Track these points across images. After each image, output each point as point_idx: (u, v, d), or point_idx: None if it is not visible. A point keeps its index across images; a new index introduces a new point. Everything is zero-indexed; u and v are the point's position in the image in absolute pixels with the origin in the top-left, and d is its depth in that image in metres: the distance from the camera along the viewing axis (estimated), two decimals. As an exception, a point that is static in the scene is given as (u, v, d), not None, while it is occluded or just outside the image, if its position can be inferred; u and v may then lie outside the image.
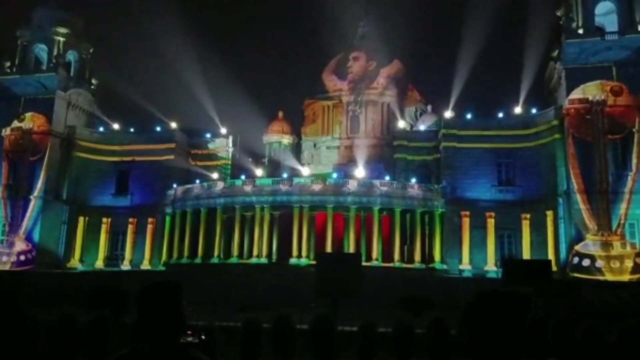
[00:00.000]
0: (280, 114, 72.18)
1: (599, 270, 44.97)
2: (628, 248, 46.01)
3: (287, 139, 70.54)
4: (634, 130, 47.64)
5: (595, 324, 15.01)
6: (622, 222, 46.46)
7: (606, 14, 53.57)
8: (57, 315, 14.31)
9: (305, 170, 61.40)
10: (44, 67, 63.42)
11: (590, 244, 46.36)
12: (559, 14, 55.20)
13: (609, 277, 44.17)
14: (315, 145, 68.56)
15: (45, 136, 59.56)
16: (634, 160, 47.46)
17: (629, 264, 45.06)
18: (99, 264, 58.96)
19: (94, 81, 67.46)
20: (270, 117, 71.64)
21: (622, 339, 14.50)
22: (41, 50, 64.73)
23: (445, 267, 52.34)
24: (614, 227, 46.36)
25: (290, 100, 77.47)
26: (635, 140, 47.52)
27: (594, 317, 19.98)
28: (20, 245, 56.58)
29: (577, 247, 46.76)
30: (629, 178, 47.22)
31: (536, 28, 55.63)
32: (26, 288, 34.94)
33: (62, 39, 64.06)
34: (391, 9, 71.70)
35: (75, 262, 59.22)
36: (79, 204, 60.48)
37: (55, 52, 63.17)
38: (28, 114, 59.83)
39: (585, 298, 29.83)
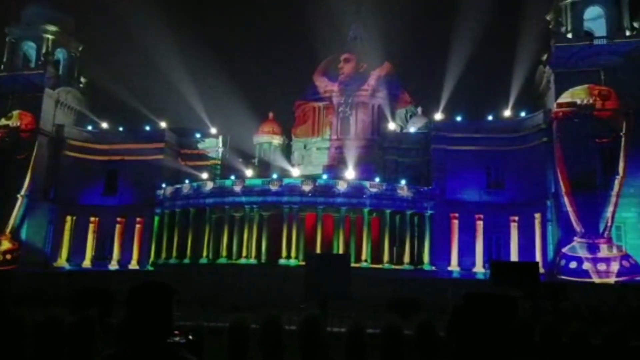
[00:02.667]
0: (271, 114, 72.09)
1: (586, 273, 45.34)
2: (615, 251, 46.43)
3: (277, 140, 70.45)
4: (621, 134, 48.10)
5: (581, 328, 15.13)
6: (609, 224, 46.88)
7: (595, 19, 54.10)
8: (43, 316, 14.18)
9: (295, 171, 61.32)
10: (33, 65, 62.89)
11: (578, 247, 46.74)
12: (548, 18, 55.64)
13: (596, 279, 44.56)
14: (305, 146, 68.55)
15: (32, 134, 58.98)
16: (621, 164, 47.90)
17: (615, 266, 45.49)
18: (87, 263, 58.49)
19: (82, 80, 66.97)
20: (260, 117, 71.63)
21: (607, 342, 14.64)
22: (30, 48, 64.20)
23: (434, 268, 52.54)
24: (601, 230, 46.79)
25: (281, 101, 77.64)
26: (623, 143, 47.98)
27: (580, 320, 20.15)
28: (6, 244, 55.99)
29: (564, 250, 47.13)
30: (616, 181, 47.66)
31: (526, 32, 56.11)
32: (12, 288, 34.57)
33: (51, 37, 63.57)
34: (383, 12, 71.96)
35: (62, 262, 58.69)
36: (66, 203, 59.90)
37: (44, 50, 62.64)
38: (16, 112, 59.24)
39: (572, 301, 30.04)
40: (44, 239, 58.81)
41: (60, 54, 65.46)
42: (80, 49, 67.32)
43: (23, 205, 57.32)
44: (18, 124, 58.93)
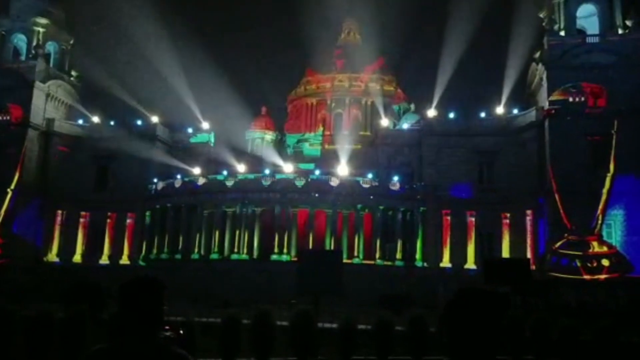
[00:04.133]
0: (263, 110, 71.93)
1: (577, 270, 45.60)
2: (605, 248, 46.74)
3: (269, 135, 70.32)
4: (612, 131, 48.36)
5: (571, 324, 15.23)
6: (599, 222, 47.17)
7: (588, 17, 54.35)
8: (34, 311, 14.08)
9: (287, 167, 61.16)
10: (23, 58, 62.31)
11: (568, 244, 46.99)
12: (541, 15, 55.80)
13: (586, 276, 44.86)
14: (298, 142, 68.49)
15: (23, 128, 58.43)
16: (612, 162, 48.16)
17: (605, 263, 45.79)
18: (77, 258, 58.11)
19: (73, 73, 66.39)
20: (253, 113, 71.40)
21: (597, 338, 14.75)
22: (20, 40, 63.58)
23: (425, 265, 52.67)
24: (591, 227, 47.07)
25: (274, 97, 77.30)
26: (614, 141, 48.24)
27: (569, 316, 20.29)
28: (-5, 239, 55.49)
29: (555, 247, 47.38)
30: (607, 179, 47.92)
31: (519, 30, 56.16)
32: (1, 283, 34.35)
33: (41, 30, 62.96)
34: (376, 8, 71.78)
35: (52, 257, 58.32)
36: (56, 198, 59.34)
37: (34, 43, 62.05)
38: (5, 105, 58.62)
39: (562, 297, 30.28)
40: (34, 233, 58.31)
41: (51, 47, 64.83)
42: (71, 42, 66.68)
43: (12, 199, 56.76)
44: (8, 117, 58.34)
